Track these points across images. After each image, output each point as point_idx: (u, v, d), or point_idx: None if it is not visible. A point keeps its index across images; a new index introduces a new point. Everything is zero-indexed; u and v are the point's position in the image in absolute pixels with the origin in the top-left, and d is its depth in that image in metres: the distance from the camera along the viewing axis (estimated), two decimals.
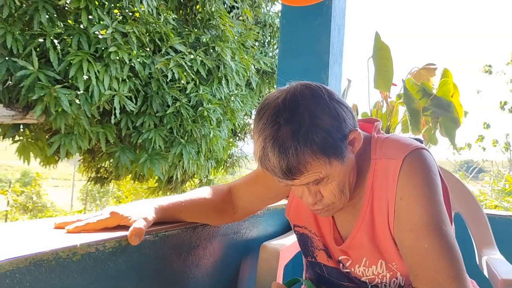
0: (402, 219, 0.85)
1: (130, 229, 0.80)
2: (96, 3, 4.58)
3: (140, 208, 0.87)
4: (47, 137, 4.99)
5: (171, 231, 0.93)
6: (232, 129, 6.58)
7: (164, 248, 0.91)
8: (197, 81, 5.29)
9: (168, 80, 5.04)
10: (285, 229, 1.49)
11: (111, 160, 5.42)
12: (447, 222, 0.83)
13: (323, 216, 0.93)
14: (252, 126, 0.85)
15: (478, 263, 1.38)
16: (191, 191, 1.05)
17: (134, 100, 4.91)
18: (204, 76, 5.42)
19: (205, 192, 1.06)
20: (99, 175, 6.35)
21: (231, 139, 6.90)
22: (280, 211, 1.46)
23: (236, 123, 6.33)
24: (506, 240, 1.54)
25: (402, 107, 2.22)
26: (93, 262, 0.72)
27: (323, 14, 1.92)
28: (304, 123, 0.76)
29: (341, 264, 0.99)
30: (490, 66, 11.60)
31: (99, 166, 6.07)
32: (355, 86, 2.38)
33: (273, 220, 1.43)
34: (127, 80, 4.73)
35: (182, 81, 5.16)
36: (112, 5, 4.76)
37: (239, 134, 7.83)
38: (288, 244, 1.30)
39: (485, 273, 1.30)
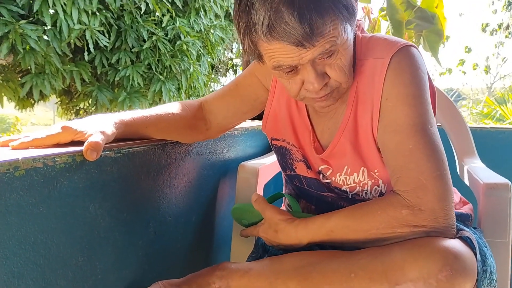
0: (387, 120, 0.79)
1: (85, 143, 0.71)
2: None
3: (97, 122, 0.78)
4: (19, 78, 4.75)
5: (136, 148, 0.84)
6: (212, 64, 6.37)
7: (129, 166, 0.83)
8: (173, 12, 4.99)
9: (142, 12, 4.74)
10: (265, 150, 1.43)
11: (89, 100, 5.24)
12: (433, 122, 0.78)
13: (325, 105, 0.82)
14: (238, 16, 0.72)
15: (459, 173, 1.36)
16: (158, 106, 0.96)
17: (107, 35, 4.64)
18: (180, 7, 5.11)
19: (173, 107, 0.96)
20: (78, 117, 6.18)
21: (212, 75, 6.72)
22: (259, 132, 1.39)
23: (216, 57, 6.10)
24: (487, 151, 1.52)
25: (384, 23, 2.12)
26: (42, 178, 0.64)
27: None
28: None
29: (321, 175, 0.94)
30: None
31: (77, 107, 5.88)
32: None
33: (252, 141, 1.36)
34: (97, 13, 4.43)
35: (157, 14, 4.86)
36: None
37: (220, 70, 7.60)
38: (267, 163, 1.24)
39: (466, 181, 1.28)
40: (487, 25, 11.43)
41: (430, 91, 0.82)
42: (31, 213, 0.63)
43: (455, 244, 0.70)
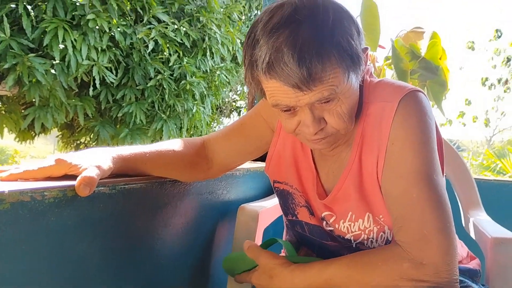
0: (392, 165, 0.76)
1: (79, 177, 0.67)
2: None
3: (94, 156, 0.74)
4: (22, 110, 4.78)
5: (132, 185, 0.80)
6: (216, 105, 6.43)
7: (124, 204, 0.78)
8: (181, 52, 5.09)
9: (150, 51, 4.84)
10: (267, 192, 1.38)
11: (91, 135, 5.24)
12: (438, 171, 0.75)
13: (318, 148, 0.80)
14: (245, 50, 0.72)
15: (464, 225, 1.31)
16: (158, 142, 0.92)
17: (114, 72, 4.71)
18: (188, 47, 5.23)
19: (175, 144, 0.93)
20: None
21: (215, 116, 6.77)
22: (261, 174, 1.35)
23: (221, 99, 6.17)
24: (492, 204, 1.47)
25: (389, 71, 2.13)
26: (28, 213, 0.60)
27: None
28: (328, 23, 0.66)
29: (324, 222, 0.89)
30: (473, 42, 11.66)
31: (78, 141, 5.87)
32: None
33: (254, 182, 1.32)
34: (106, 50, 4.52)
35: (165, 53, 4.96)
36: None
37: (224, 111, 7.67)
38: (268, 206, 1.19)
39: (472, 234, 1.23)
40: (486, 79, 11.71)
41: (437, 139, 0.80)
42: (14, 250, 0.58)
43: None
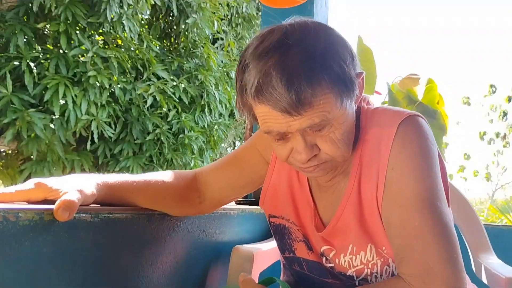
0: (392, 193, 0.72)
1: (58, 200, 0.63)
2: (77, 28, 4.50)
3: (76, 181, 0.70)
4: (19, 165, 4.75)
5: (117, 214, 0.75)
6: (214, 159, 6.41)
7: (107, 235, 0.73)
8: (179, 108, 5.17)
9: (149, 106, 4.91)
10: (262, 236, 1.31)
11: None
12: (442, 198, 0.71)
13: (312, 176, 0.77)
14: (236, 75, 0.71)
15: (474, 270, 1.24)
16: (148, 173, 0.89)
17: (113, 126, 4.74)
18: (187, 104, 5.32)
19: (165, 175, 0.89)
20: None
21: None
22: (257, 216, 1.29)
23: (219, 153, 6.18)
24: (502, 250, 1.40)
25: None
26: None
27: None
28: (319, 47, 0.64)
29: (323, 258, 0.83)
30: (468, 98, 11.95)
31: None
32: None
33: (249, 224, 1.26)
34: (106, 106, 4.58)
35: (164, 108, 5.03)
36: (93, 31, 4.68)
37: None
38: (264, 249, 1.12)
39: (484, 279, 1.16)
40: (484, 133, 11.85)
41: (440, 168, 0.76)
42: None
43: None
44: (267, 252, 1.14)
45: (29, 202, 0.65)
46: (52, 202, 0.64)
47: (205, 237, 1.04)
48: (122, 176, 0.81)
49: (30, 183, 0.66)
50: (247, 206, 1.32)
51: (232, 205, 1.24)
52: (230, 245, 1.11)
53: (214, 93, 5.52)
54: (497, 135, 11.77)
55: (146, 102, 4.83)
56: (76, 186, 0.67)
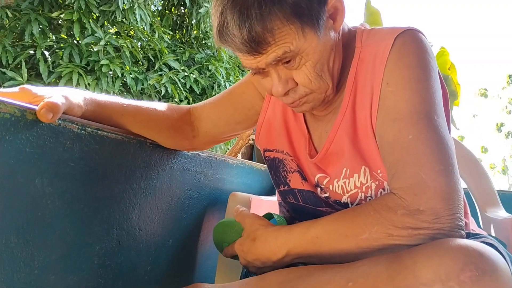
0: (386, 108, 0.68)
1: (41, 102, 0.62)
2: (90, 18, 4.56)
3: (63, 90, 0.70)
4: None
5: (106, 133, 0.74)
6: (225, 150, 6.42)
7: (95, 151, 0.72)
8: (191, 99, 5.18)
9: (161, 96, 4.94)
10: (261, 191, 1.29)
11: None
12: (440, 114, 0.67)
13: (299, 111, 0.75)
14: None
15: (482, 226, 1.19)
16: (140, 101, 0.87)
17: None
18: (198, 94, 5.33)
19: (157, 105, 0.88)
20: None
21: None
22: (256, 171, 1.27)
23: (230, 145, 6.17)
24: None
25: None
26: None
27: None
28: None
29: (318, 188, 0.81)
30: (485, 89, 11.69)
31: None
32: None
33: (247, 178, 1.23)
34: (118, 95, 4.62)
35: (175, 99, 5.05)
36: (105, 21, 4.74)
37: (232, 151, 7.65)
38: (262, 198, 1.10)
39: (492, 231, 1.12)
40: (502, 124, 11.57)
41: (442, 92, 0.73)
42: None
43: (477, 243, 0.54)
44: (264, 200, 1.12)
45: None
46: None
47: (201, 178, 1.02)
48: (112, 97, 0.80)
49: (15, 88, 0.66)
50: (247, 161, 1.30)
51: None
52: (227, 192, 1.09)
53: (225, 84, 5.52)
54: None
55: (158, 92, 4.86)
56: (62, 93, 0.67)
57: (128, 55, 4.65)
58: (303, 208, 0.85)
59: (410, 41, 0.71)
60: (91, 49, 4.51)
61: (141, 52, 4.93)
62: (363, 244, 0.62)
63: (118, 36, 4.81)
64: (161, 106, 0.88)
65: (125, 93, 4.73)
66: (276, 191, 0.93)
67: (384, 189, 0.74)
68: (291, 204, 0.87)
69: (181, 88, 5.05)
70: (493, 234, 1.13)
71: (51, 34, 4.47)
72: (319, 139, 0.82)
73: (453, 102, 1.87)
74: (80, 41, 4.43)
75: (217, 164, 1.08)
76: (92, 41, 4.48)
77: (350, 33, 0.78)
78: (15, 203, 0.59)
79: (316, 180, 0.81)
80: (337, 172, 0.77)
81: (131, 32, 5.03)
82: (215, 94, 5.52)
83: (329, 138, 0.77)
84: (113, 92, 4.56)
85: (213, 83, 5.48)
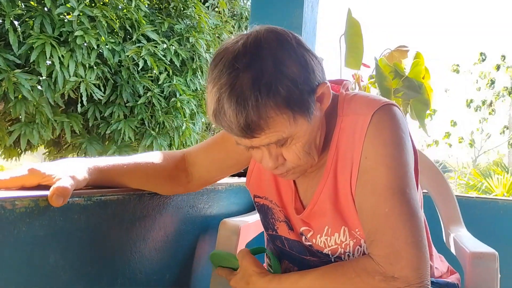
0: (365, 181, 0.77)
1: (52, 187, 0.66)
2: None
3: (68, 166, 0.73)
4: (7, 126, 4.72)
5: (109, 196, 0.79)
6: (207, 124, 6.44)
7: (99, 215, 0.77)
8: (171, 71, 5.11)
9: (139, 69, 4.85)
10: (249, 208, 1.37)
11: (78, 152, 5.18)
12: (412, 185, 0.76)
13: (287, 179, 0.83)
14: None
15: (445, 241, 1.32)
16: (136, 154, 0.92)
17: (102, 89, 4.69)
18: (178, 66, 5.25)
19: (153, 156, 0.92)
20: None
21: (205, 133, 6.76)
22: (244, 189, 1.34)
23: None
24: (473, 222, 1.49)
25: (374, 90, 2.16)
26: None
27: None
28: (267, 71, 0.66)
29: (303, 237, 0.89)
30: (458, 65, 11.96)
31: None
32: (328, 67, 2.29)
33: (236, 197, 1.31)
34: (94, 67, 4.51)
35: (155, 71, 4.97)
36: None
37: (215, 129, 7.67)
38: (250, 221, 1.18)
39: (452, 249, 1.24)
40: (471, 101, 11.99)
41: (413, 153, 0.81)
42: None
43: None
44: (253, 224, 1.20)
45: (24, 188, 0.68)
46: (46, 187, 0.68)
47: (193, 212, 1.09)
48: (113, 159, 0.84)
49: (24, 169, 0.69)
50: (236, 179, 1.36)
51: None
52: (218, 218, 1.16)
53: (205, 56, 5.44)
54: (484, 102, 11.93)
55: (137, 65, 4.76)
56: (68, 172, 0.71)
57: (104, 25, 4.50)
58: (289, 253, 0.93)
59: (385, 118, 0.78)
60: (64, 19, 4.33)
61: (117, 21, 4.77)
62: None
63: (93, 5, 4.62)
64: (157, 157, 0.92)
65: (101, 66, 4.62)
66: (264, 233, 1.00)
67: (360, 246, 0.83)
68: (279, 248, 0.96)
69: (161, 61, 4.96)
70: (452, 251, 1.25)
71: (20, 1, 4.25)
72: (305, 193, 0.89)
73: (426, 110, 1.97)
74: (51, 10, 4.24)
75: (208, 194, 1.15)
76: (65, 11, 4.29)
77: (333, 100, 0.82)
78: (34, 283, 0.65)
79: (301, 231, 0.89)
80: (320, 228, 0.85)
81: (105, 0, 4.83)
82: (196, 67, 5.41)
83: (313, 200, 0.84)
84: (88, 64, 4.44)
85: (193, 55, 5.40)
